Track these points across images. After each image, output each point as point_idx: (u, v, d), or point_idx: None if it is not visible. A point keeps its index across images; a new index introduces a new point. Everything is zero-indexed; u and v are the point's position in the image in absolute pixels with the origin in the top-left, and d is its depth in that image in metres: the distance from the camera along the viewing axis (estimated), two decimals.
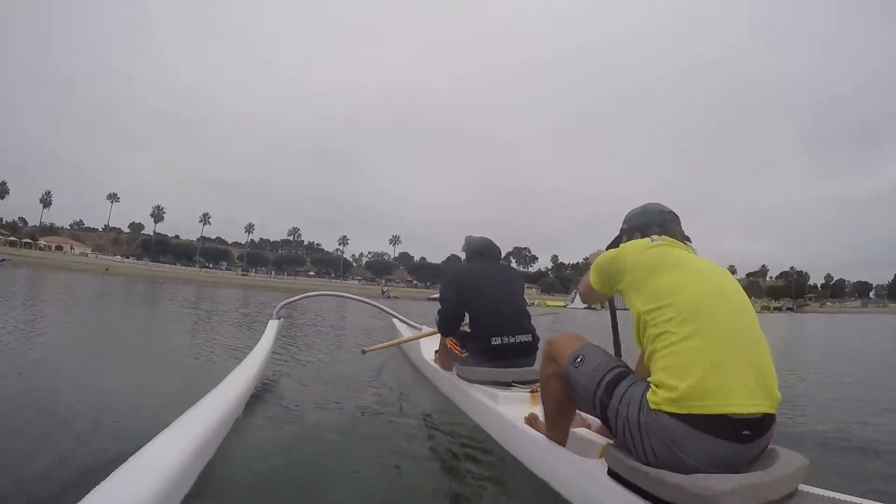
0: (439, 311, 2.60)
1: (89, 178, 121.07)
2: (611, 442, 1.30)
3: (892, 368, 5.38)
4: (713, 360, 1.11)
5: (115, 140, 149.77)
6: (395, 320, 4.42)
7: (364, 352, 3.33)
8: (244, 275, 70.76)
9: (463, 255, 2.82)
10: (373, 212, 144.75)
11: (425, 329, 3.64)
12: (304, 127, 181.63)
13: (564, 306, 37.37)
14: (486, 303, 2.43)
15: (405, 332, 4.03)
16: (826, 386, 3.75)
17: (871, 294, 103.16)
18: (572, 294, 47.13)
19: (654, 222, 1.53)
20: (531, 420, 1.79)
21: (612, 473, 1.23)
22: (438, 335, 2.90)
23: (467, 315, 2.51)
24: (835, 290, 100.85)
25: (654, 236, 1.42)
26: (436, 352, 3.00)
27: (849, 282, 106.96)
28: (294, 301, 3.82)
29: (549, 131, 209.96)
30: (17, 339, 3.34)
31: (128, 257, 72.82)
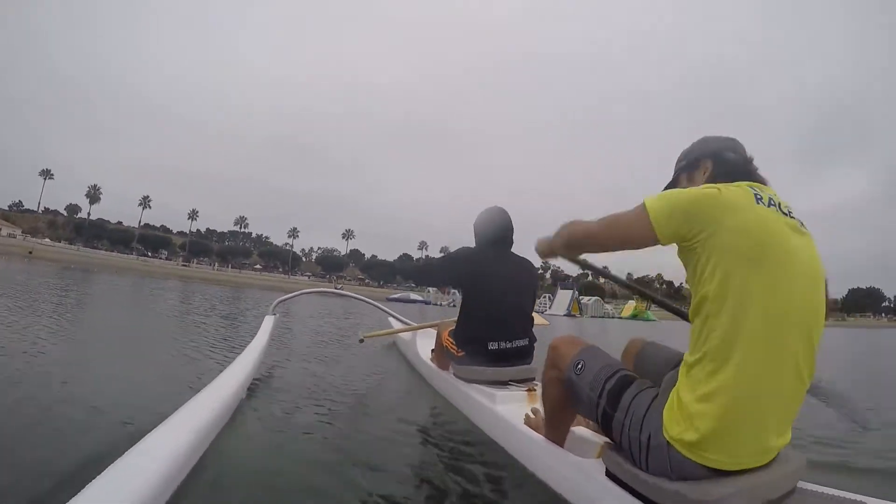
0: (426, 265, 2.61)
1: (30, 158, 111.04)
2: (609, 442, 1.27)
3: (877, 372, 5.73)
4: (751, 409, 0.97)
5: (60, 122, 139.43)
6: (391, 319, 4.53)
7: (362, 340, 3.38)
8: (185, 265, 67.23)
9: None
10: (326, 205, 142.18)
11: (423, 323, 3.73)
12: (259, 116, 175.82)
13: (541, 311, 37.65)
14: (488, 301, 2.32)
15: (401, 327, 4.10)
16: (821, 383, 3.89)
17: None
18: (548, 300, 46.88)
19: (724, 148, 1.20)
20: (529, 419, 1.78)
21: (611, 474, 1.22)
22: (435, 328, 2.96)
23: (462, 313, 2.43)
24: None
25: (756, 189, 1.06)
26: (432, 350, 3.02)
27: None
28: (290, 298, 3.88)
29: (523, 129, 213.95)
30: None
31: (59, 241, 67.40)
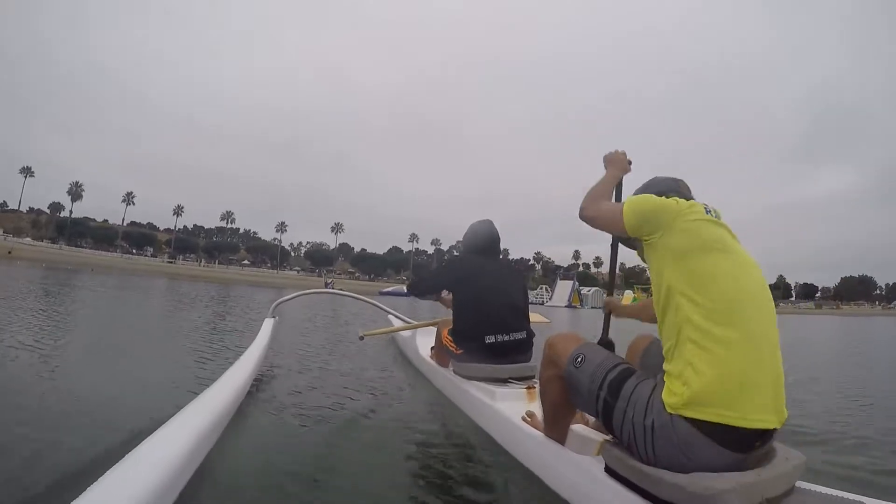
0: (422, 276, 2.64)
1: (8, 155, 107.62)
2: (608, 439, 1.29)
3: (878, 366, 5.74)
4: (740, 367, 1.06)
5: (41, 119, 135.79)
6: (390, 316, 4.54)
7: (361, 337, 3.41)
8: (170, 262, 66.26)
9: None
10: (314, 200, 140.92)
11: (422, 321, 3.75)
12: (247, 111, 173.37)
13: (540, 303, 37.45)
14: (478, 299, 2.41)
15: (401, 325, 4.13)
16: (819, 382, 3.86)
17: (817, 296, 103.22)
18: (545, 292, 46.54)
19: (669, 189, 1.39)
20: (528, 417, 1.79)
21: (610, 471, 1.23)
22: (435, 326, 3.00)
23: (457, 311, 2.51)
24: (783, 293, 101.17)
25: (708, 206, 1.29)
26: (432, 348, 3.08)
27: (797, 283, 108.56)
28: (289, 300, 3.85)
29: (514, 128, 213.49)
30: None
31: (42, 240, 65.90)
